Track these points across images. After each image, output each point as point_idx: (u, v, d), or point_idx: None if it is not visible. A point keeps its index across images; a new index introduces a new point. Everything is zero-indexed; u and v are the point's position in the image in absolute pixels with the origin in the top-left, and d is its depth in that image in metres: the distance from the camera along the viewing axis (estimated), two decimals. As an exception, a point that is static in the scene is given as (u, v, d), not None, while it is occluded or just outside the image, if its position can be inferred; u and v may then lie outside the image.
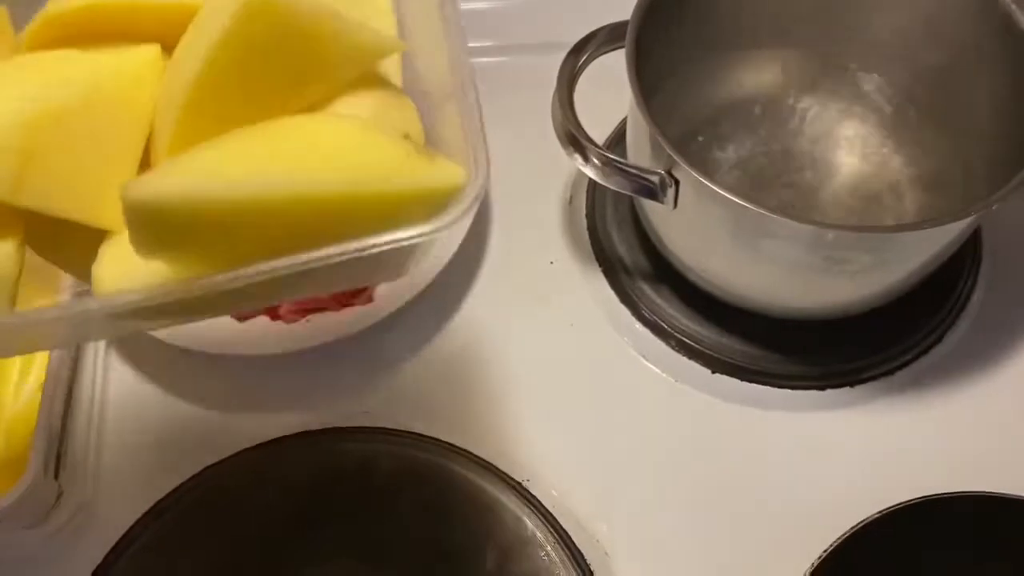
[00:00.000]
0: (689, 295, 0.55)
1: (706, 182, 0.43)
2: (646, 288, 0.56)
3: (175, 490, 0.48)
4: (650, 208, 0.52)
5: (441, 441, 0.50)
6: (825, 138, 0.58)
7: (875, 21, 0.56)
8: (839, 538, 0.45)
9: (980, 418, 0.52)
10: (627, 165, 0.48)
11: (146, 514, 0.48)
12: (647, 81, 0.48)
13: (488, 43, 0.69)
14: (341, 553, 0.47)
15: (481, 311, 0.57)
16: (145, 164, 0.29)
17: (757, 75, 0.59)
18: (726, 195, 0.43)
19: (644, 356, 0.55)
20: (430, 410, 0.53)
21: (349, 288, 0.29)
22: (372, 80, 0.30)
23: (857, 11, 0.56)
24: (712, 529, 0.50)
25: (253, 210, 0.25)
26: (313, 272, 0.26)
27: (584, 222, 0.60)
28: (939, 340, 0.54)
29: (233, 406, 0.53)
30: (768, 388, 0.53)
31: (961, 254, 0.55)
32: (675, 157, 0.44)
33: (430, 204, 0.27)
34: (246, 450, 0.49)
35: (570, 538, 0.48)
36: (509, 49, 0.68)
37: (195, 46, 0.27)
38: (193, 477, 0.48)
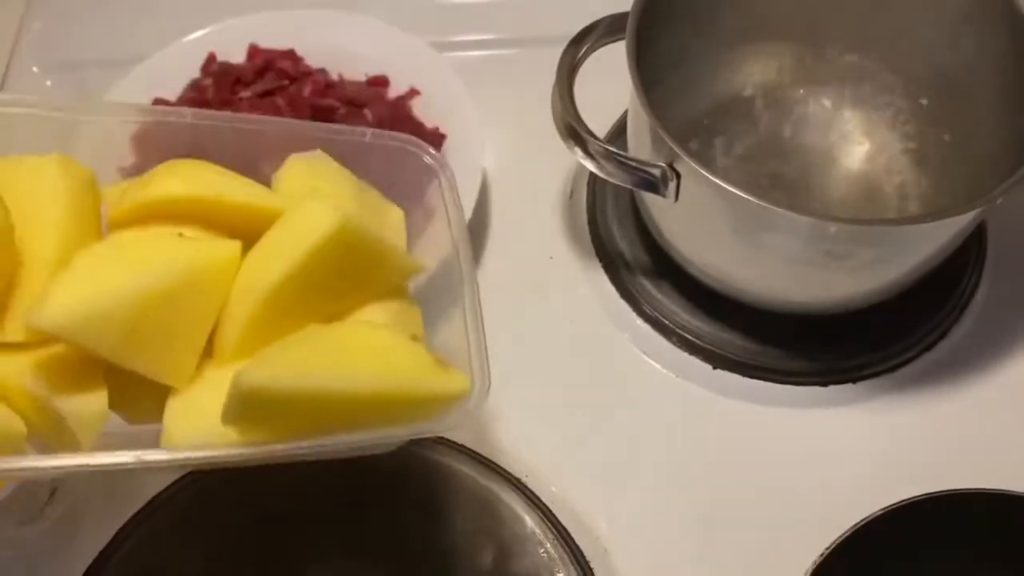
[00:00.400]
0: (690, 290, 0.54)
1: (708, 175, 0.43)
2: (647, 283, 0.56)
3: (171, 486, 0.48)
4: (651, 202, 0.51)
5: (440, 437, 0.49)
6: (827, 132, 0.57)
7: (880, 15, 0.55)
8: (842, 535, 0.45)
9: (983, 415, 0.52)
10: (628, 158, 0.47)
11: (141, 510, 0.47)
12: (647, 74, 0.47)
13: (489, 36, 0.68)
14: (338, 550, 0.47)
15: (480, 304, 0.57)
16: (209, 339, 0.34)
17: (759, 68, 0.58)
18: (728, 188, 0.42)
19: (644, 352, 0.54)
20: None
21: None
22: (393, 289, 0.37)
23: (862, 5, 0.55)
24: (712, 526, 0.49)
25: (324, 400, 0.31)
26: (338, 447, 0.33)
27: (584, 217, 0.59)
28: (942, 337, 0.54)
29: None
30: (769, 384, 0.53)
31: (965, 250, 0.54)
32: (676, 150, 0.44)
33: (439, 403, 0.33)
34: (242, 446, 0.49)
35: (569, 535, 0.47)
36: (510, 42, 0.68)
37: (279, 253, 0.33)
38: (188, 473, 0.48)
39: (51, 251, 0.33)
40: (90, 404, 0.32)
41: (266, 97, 0.59)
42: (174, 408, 0.33)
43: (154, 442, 0.33)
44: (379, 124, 0.57)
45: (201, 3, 0.69)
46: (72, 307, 0.30)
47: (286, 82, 0.59)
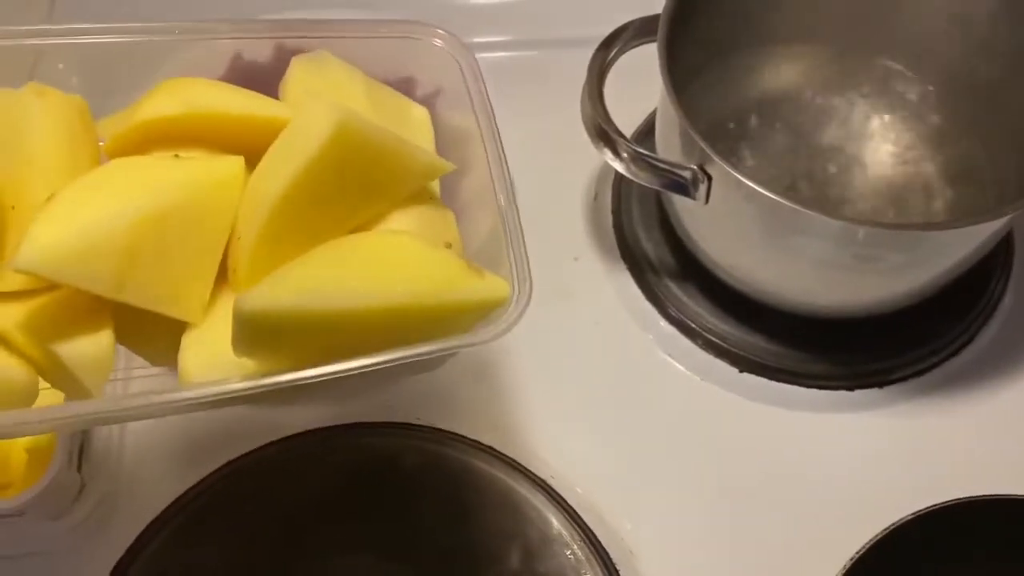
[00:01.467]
0: (716, 293, 0.54)
1: (741, 177, 0.43)
2: (672, 286, 0.55)
3: (198, 484, 0.48)
4: (679, 204, 0.51)
5: (465, 438, 0.50)
6: (855, 135, 0.57)
7: (908, 19, 0.55)
8: (870, 540, 0.45)
9: (1010, 420, 0.52)
10: (658, 160, 0.47)
11: (168, 507, 0.47)
12: (676, 76, 0.47)
13: (516, 37, 0.68)
14: (364, 548, 0.47)
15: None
16: (223, 263, 0.32)
17: (788, 71, 0.58)
18: (761, 191, 0.42)
19: (670, 354, 0.54)
20: (454, 407, 0.52)
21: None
22: (418, 194, 0.34)
23: (890, 8, 0.55)
24: (738, 529, 0.49)
25: (339, 320, 0.29)
26: (372, 370, 0.29)
27: (610, 219, 0.59)
28: (969, 341, 0.54)
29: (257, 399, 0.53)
30: (795, 388, 0.53)
31: (993, 255, 0.54)
32: (709, 152, 0.44)
33: (478, 313, 0.31)
34: (269, 444, 0.49)
35: (595, 536, 0.47)
36: (534, 43, 0.68)
37: (282, 164, 0.30)
38: (216, 471, 0.48)
39: (38, 190, 0.30)
40: (92, 348, 0.30)
41: (293, 97, 0.59)
42: (188, 344, 0.31)
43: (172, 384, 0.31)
44: (405, 124, 0.57)
45: (226, 4, 0.70)
46: (54, 244, 0.27)
47: (313, 82, 0.59)
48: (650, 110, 0.59)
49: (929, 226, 0.48)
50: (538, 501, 0.48)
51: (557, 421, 0.52)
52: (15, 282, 0.29)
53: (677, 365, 0.54)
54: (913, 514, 0.46)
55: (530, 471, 0.49)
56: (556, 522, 0.47)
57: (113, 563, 0.46)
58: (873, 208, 0.54)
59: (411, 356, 0.29)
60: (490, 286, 0.31)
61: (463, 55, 0.37)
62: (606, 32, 0.51)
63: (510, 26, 0.69)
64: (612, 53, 0.49)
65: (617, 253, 0.58)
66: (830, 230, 0.44)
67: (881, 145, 0.57)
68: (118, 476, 0.50)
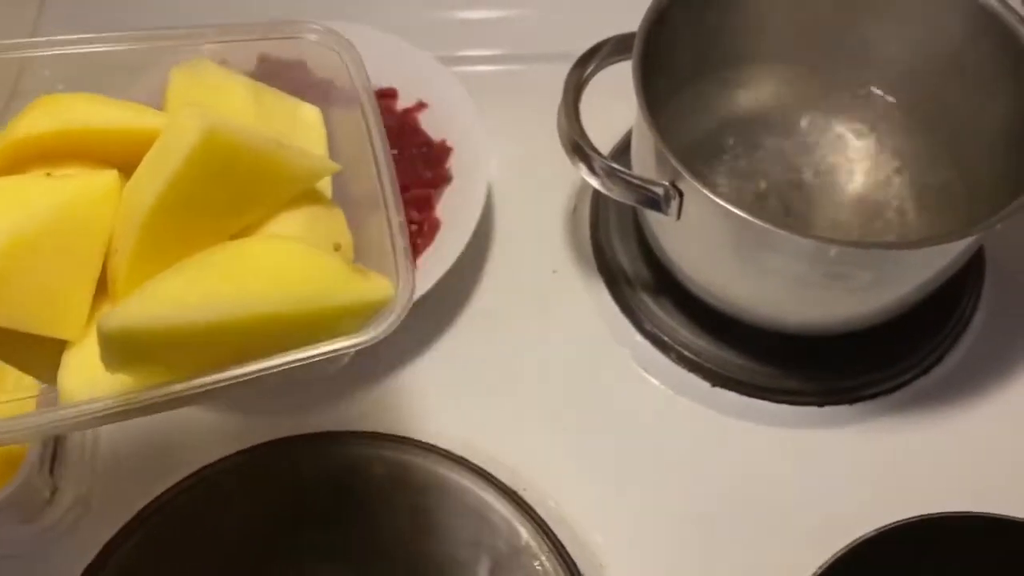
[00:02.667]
0: (690, 308, 0.55)
1: (710, 195, 0.43)
2: (647, 300, 0.56)
3: (168, 490, 0.48)
4: (653, 219, 0.52)
5: (436, 448, 0.50)
6: (830, 154, 0.58)
7: (883, 39, 0.56)
8: (834, 555, 0.45)
9: (979, 439, 0.52)
10: (631, 176, 0.48)
11: (139, 513, 0.47)
12: (654, 92, 0.48)
13: (495, 51, 0.69)
14: (332, 557, 0.47)
15: (481, 318, 0.57)
16: (103, 279, 0.31)
17: (764, 89, 0.59)
18: (730, 208, 0.43)
19: (644, 368, 0.55)
20: (426, 417, 0.53)
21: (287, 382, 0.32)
22: (307, 195, 0.33)
23: (866, 29, 0.56)
24: (708, 543, 0.49)
25: (211, 331, 0.28)
26: (258, 377, 0.29)
27: (587, 232, 0.60)
28: (940, 360, 0.54)
29: (228, 408, 0.53)
30: (767, 403, 0.53)
31: (964, 273, 0.55)
32: (680, 169, 0.45)
33: (362, 315, 0.30)
34: (240, 452, 0.49)
35: (565, 548, 0.47)
36: (516, 58, 0.68)
37: (153, 174, 0.30)
38: (187, 478, 0.48)
39: None
40: None
41: (275, 106, 0.59)
42: (68, 361, 0.30)
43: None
44: (386, 135, 0.57)
45: (213, 14, 0.70)
46: None
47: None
48: (630, 125, 0.60)
49: (898, 245, 0.49)
50: (508, 512, 0.48)
51: (530, 432, 0.53)
52: None
53: (651, 379, 0.54)
54: (877, 530, 0.46)
55: (501, 482, 0.49)
56: (525, 533, 0.47)
57: (84, 567, 0.46)
58: (846, 226, 0.55)
59: (287, 363, 0.29)
60: (373, 287, 0.31)
61: (346, 50, 0.37)
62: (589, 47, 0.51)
63: (495, 41, 0.69)
64: (588, 70, 0.50)
65: (594, 266, 0.58)
66: (800, 248, 0.44)
67: (855, 164, 0.57)
68: (91, 480, 0.50)
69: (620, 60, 0.50)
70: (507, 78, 0.68)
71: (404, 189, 0.56)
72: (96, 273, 0.31)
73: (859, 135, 0.58)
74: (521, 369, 0.55)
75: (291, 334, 0.29)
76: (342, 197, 0.35)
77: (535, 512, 0.48)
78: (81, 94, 0.33)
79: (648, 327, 0.55)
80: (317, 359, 0.30)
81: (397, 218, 0.32)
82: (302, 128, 0.36)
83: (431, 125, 0.60)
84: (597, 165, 0.48)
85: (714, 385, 0.54)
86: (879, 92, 0.58)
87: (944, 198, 0.55)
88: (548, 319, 0.57)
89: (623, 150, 0.61)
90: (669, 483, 0.51)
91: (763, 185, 0.56)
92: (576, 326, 0.57)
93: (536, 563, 0.47)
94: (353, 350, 0.30)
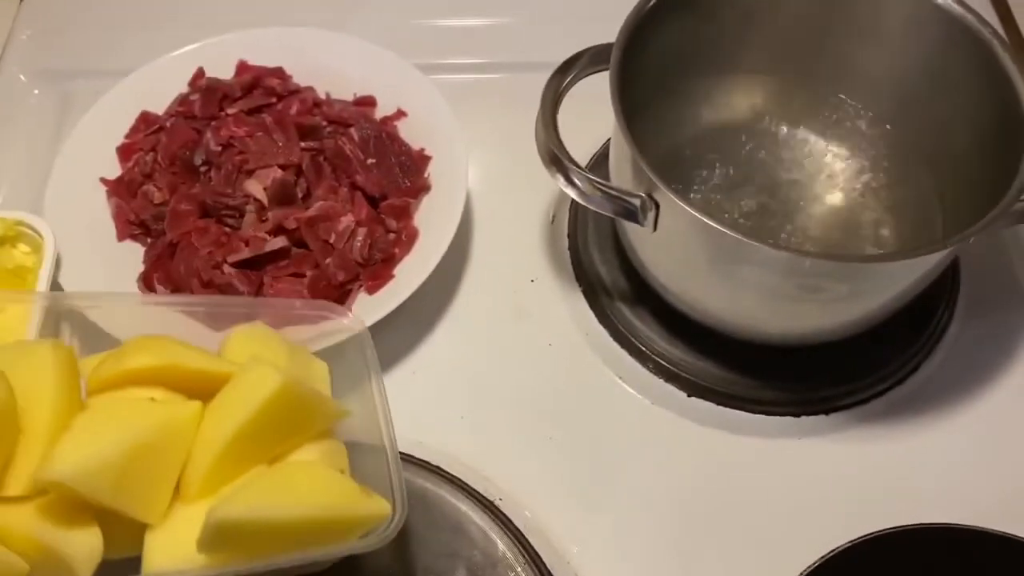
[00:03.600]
0: (667, 318, 0.55)
1: (685, 206, 0.44)
2: (625, 309, 0.56)
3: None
4: (631, 230, 0.52)
5: (413, 457, 0.50)
6: (807, 165, 0.58)
7: (861, 53, 0.56)
8: (809, 567, 0.46)
9: (953, 449, 0.53)
10: (608, 187, 0.48)
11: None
12: (633, 100, 0.48)
13: (475, 60, 0.69)
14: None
15: (459, 327, 0.57)
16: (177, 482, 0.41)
17: (743, 100, 0.59)
18: (704, 220, 0.43)
19: (621, 377, 0.55)
20: (403, 426, 0.52)
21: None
22: (322, 433, 0.44)
23: (843, 43, 0.56)
24: (683, 553, 0.49)
25: (272, 526, 0.39)
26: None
27: (566, 241, 0.60)
28: (914, 370, 0.55)
29: None
30: (743, 413, 0.53)
31: (939, 285, 0.55)
32: (655, 181, 0.45)
33: (365, 525, 0.41)
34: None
35: (541, 559, 0.47)
36: (495, 66, 0.68)
37: (231, 410, 0.41)
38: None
39: (47, 420, 0.39)
40: (87, 543, 0.38)
41: (253, 114, 0.59)
42: (152, 541, 0.39)
43: (132, 570, 0.39)
44: (365, 144, 0.57)
45: (191, 18, 0.70)
46: (77, 461, 0.37)
47: (273, 100, 0.60)
48: (609, 135, 0.60)
49: (872, 258, 0.49)
50: (484, 522, 0.48)
51: (507, 442, 0.52)
52: (19, 488, 0.38)
53: (628, 388, 0.55)
54: (851, 541, 0.46)
55: (478, 492, 0.49)
56: (502, 544, 0.47)
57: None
58: (823, 237, 0.55)
59: (319, 556, 0.41)
60: (376, 505, 0.41)
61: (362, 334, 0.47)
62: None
63: (475, 49, 0.70)
64: (566, 81, 0.50)
65: (572, 276, 0.59)
66: (775, 260, 0.44)
67: (833, 175, 0.58)
68: None
69: (598, 71, 0.50)
70: (487, 86, 0.68)
71: (383, 198, 0.57)
72: (176, 476, 0.40)
73: (836, 147, 0.59)
74: (498, 378, 0.55)
75: (318, 533, 0.40)
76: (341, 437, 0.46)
77: (512, 523, 0.48)
78: (169, 337, 0.43)
79: (625, 336, 0.55)
80: (336, 555, 0.42)
81: (396, 461, 0.43)
82: (316, 376, 0.47)
83: (410, 134, 0.60)
84: (574, 176, 0.48)
85: (691, 395, 0.54)
86: (856, 104, 0.58)
87: (920, 210, 0.56)
88: (526, 328, 0.57)
89: (602, 159, 0.61)
90: (645, 493, 0.51)
91: (740, 196, 0.56)
92: (553, 335, 0.57)
93: (512, 574, 0.47)
94: (359, 551, 0.41)
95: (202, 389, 0.42)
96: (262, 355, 0.43)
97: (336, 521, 0.40)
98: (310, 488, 0.40)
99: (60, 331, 0.55)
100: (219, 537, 0.38)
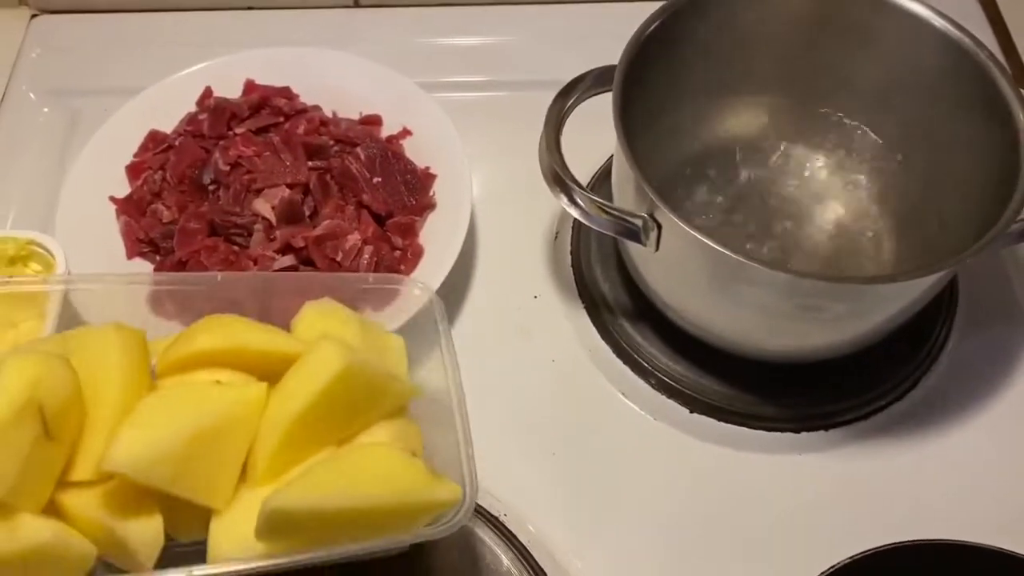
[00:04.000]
0: (669, 334, 0.55)
1: (686, 227, 0.44)
2: (627, 326, 0.57)
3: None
4: (633, 249, 0.53)
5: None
6: (807, 184, 0.59)
7: (860, 72, 0.57)
8: (810, 582, 0.46)
9: (953, 465, 0.53)
10: (611, 207, 0.49)
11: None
12: (636, 120, 0.49)
13: (479, 78, 0.70)
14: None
15: (463, 344, 0.57)
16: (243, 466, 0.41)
17: (744, 120, 0.60)
18: (706, 241, 0.44)
19: (623, 393, 0.55)
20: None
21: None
22: (394, 410, 0.43)
23: (842, 62, 0.57)
24: (684, 567, 0.50)
25: (335, 515, 0.38)
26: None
27: (569, 258, 0.61)
28: (913, 386, 0.55)
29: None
30: (744, 429, 0.54)
31: (937, 303, 0.56)
32: (657, 202, 0.45)
33: (435, 510, 0.40)
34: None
35: (545, 574, 0.48)
36: (500, 84, 0.69)
37: (296, 391, 0.40)
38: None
39: (112, 405, 0.39)
40: (149, 528, 0.38)
41: (260, 133, 0.60)
42: (217, 527, 0.39)
43: (195, 556, 0.39)
44: (371, 162, 0.58)
45: (199, 37, 0.71)
46: (136, 451, 0.37)
47: (281, 119, 0.60)
48: (612, 152, 0.61)
49: (871, 279, 0.49)
50: (488, 538, 0.48)
51: (511, 458, 0.53)
52: (85, 473, 0.38)
53: (630, 404, 0.55)
54: (852, 557, 0.47)
55: (482, 507, 0.50)
56: (506, 559, 0.48)
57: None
58: (823, 255, 0.56)
59: (388, 544, 0.40)
60: (447, 489, 0.40)
61: (438, 305, 0.47)
62: (574, 75, 0.52)
63: (479, 67, 0.70)
64: (569, 103, 0.51)
65: (575, 292, 0.59)
66: (775, 281, 0.45)
67: (833, 193, 0.58)
68: None
69: (601, 92, 0.51)
70: (490, 104, 0.68)
71: (388, 216, 0.58)
72: (242, 460, 0.40)
73: (836, 166, 0.59)
74: (502, 394, 0.55)
75: (386, 520, 0.39)
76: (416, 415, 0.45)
77: (516, 538, 0.49)
78: (236, 317, 0.43)
79: (627, 353, 0.56)
80: (406, 543, 0.41)
81: (467, 443, 0.42)
82: (392, 353, 0.46)
83: (415, 152, 0.61)
84: (577, 196, 0.49)
85: (692, 411, 0.54)
86: (856, 124, 0.59)
87: (919, 228, 0.56)
88: (529, 344, 0.58)
89: (605, 176, 0.62)
90: (647, 507, 0.52)
91: (741, 215, 0.57)
92: (556, 351, 0.57)
93: (516, 589, 0.47)
94: (427, 539, 0.40)
95: (271, 369, 0.41)
96: (332, 332, 0.42)
97: (403, 507, 0.39)
98: (375, 473, 0.39)
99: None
100: (275, 526, 0.37)
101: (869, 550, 0.47)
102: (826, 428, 0.54)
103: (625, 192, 0.50)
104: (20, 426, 0.36)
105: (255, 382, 0.41)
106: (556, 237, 0.62)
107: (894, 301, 0.48)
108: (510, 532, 0.49)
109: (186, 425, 0.38)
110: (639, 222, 0.48)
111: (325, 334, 0.42)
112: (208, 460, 0.38)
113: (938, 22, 0.52)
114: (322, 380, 0.39)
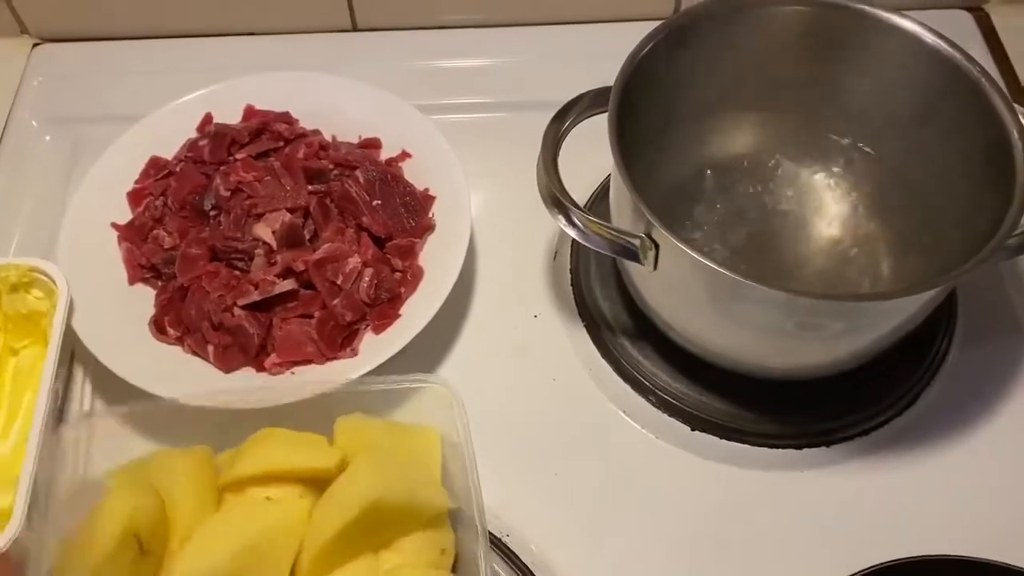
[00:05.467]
0: (670, 353, 0.56)
1: (684, 247, 0.45)
2: (627, 345, 0.57)
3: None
4: (632, 268, 0.53)
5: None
6: (804, 201, 0.59)
7: (855, 90, 0.57)
8: (813, 599, 0.46)
9: (954, 480, 0.53)
10: (608, 227, 0.49)
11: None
12: (632, 141, 0.49)
13: (482, 99, 0.70)
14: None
15: (464, 363, 0.58)
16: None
17: (741, 138, 0.60)
18: (703, 261, 0.44)
19: (624, 412, 0.56)
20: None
21: None
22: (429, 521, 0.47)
23: (838, 80, 0.57)
24: (689, 586, 0.50)
25: None
26: None
27: (568, 277, 0.61)
28: (914, 401, 0.55)
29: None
30: (746, 446, 0.54)
31: (937, 316, 0.56)
32: (655, 223, 0.46)
33: None
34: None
35: (548, 594, 0.48)
36: (502, 106, 0.70)
37: (332, 511, 0.44)
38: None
39: (189, 517, 0.46)
40: None
41: (261, 158, 0.60)
42: None
43: None
44: (370, 186, 0.59)
45: (199, 64, 0.72)
46: (193, 570, 0.43)
47: (280, 144, 0.61)
48: (609, 171, 0.61)
49: (868, 296, 0.50)
50: (492, 558, 0.48)
51: (513, 477, 0.53)
52: None
53: (632, 423, 0.55)
54: (853, 575, 0.47)
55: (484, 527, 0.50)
56: (510, 580, 0.48)
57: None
58: (820, 271, 0.56)
59: None
60: None
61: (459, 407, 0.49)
62: (571, 96, 0.52)
63: (477, 89, 0.71)
64: (566, 124, 0.51)
65: (575, 311, 0.59)
66: (773, 300, 0.45)
67: (828, 210, 0.59)
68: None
69: (597, 113, 0.51)
70: (488, 125, 0.69)
71: (388, 238, 0.58)
72: (290, 567, 0.45)
73: (832, 182, 0.60)
74: (504, 413, 0.56)
75: None
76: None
77: (519, 559, 0.49)
78: (284, 434, 0.48)
79: (628, 371, 0.56)
80: None
81: (487, 549, 0.45)
82: (424, 451, 0.49)
83: (414, 174, 0.61)
84: (575, 217, 0.49)
85: (694, 429, 0.54)
86: (851, 140, 0.59)
87: (916, 244, 0.57)
88: (530, 363, 0.58)
89: (603, 195, 0.62)
90: (649, 526, 0.52)
91: (738, 231, 0.57)
92: (557, 370, 0.58)
93: (520, 610, 0.47)
94: None
95: (316, 480, 0.47)
96: (370, 442, 0.48)
97: None
98: None
99: (74, 371, 0.57)
100: None
101: (872, 567, 0.47)
102: (827, 444, 0.54)
103: (623, 212, 0.51)
104: (122, 550, 0.43)
105: (298, 499, 0.46)
106: (555, 256, 0.62)
107: (892, 317, 0.48)
108: (513, 552, 0.49)
109: (236, 544, 0.44)
110: (636, 242, 0.48)
111: (364, 446, 0.47)
112: (257, 571, 0.44)
113: (930, 39, 0.52)
114: (354, 507, 0.44)
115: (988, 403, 0.56)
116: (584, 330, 0.58)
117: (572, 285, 0.60)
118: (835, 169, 0.60)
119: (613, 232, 0.49)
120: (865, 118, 0.58)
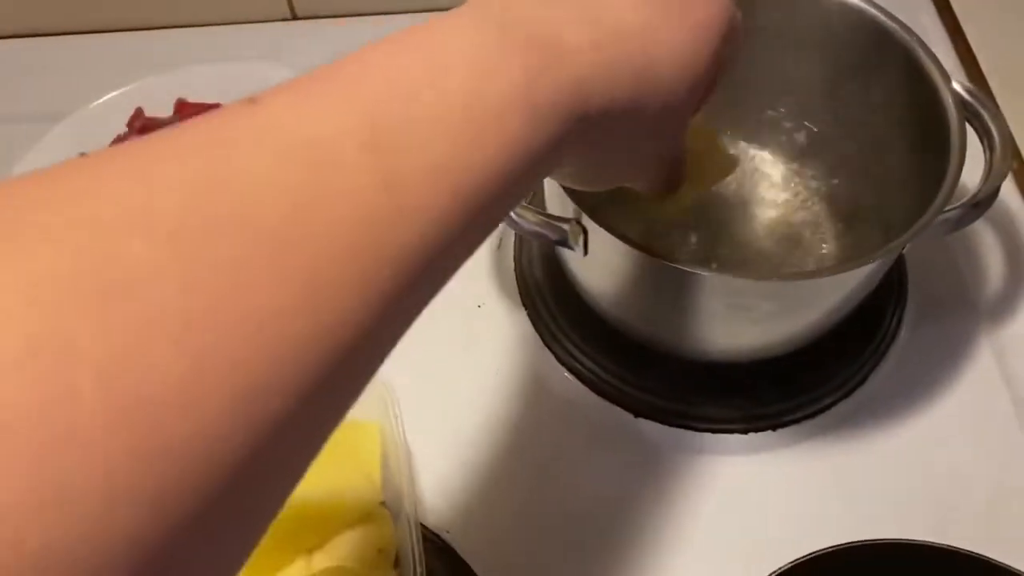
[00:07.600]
0: (611, 339, 0.54)
1: (604, 231, 0.43)
2: (570, 333, 0.56)
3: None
4: (567, 255, 0.52)
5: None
6: (746, 180, 0.58)
7: (796, 67, 0.56)
8: (757, 586, 0.45)
9: (904, 462, 0.52)
10: (540, 213, 0.48)
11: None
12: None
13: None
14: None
15: (406, 353, 0.56)
16: None
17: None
18: (624, 244, 0.43)
19: (567, 400, 0.54)
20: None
21: None
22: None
23: (779, 57, 0.56)
24: (632, 570, 0.49)
25: None
26: None
27: (512, 265, 0.60)
28: (863, 381, 0.54)
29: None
30: (691, 432, 0.53)
31: (885, 292, 0.55)
32: (575, 205, 0.44)
33: None
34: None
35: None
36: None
37: None
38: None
39: None
40: None
41: (190, 152, 0.59)
42: None
43: None
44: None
45: (129, 58, 0.70)
46: None
47: (211, 137, 0.60)
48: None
49: (793, 275, 0.48)
50: (431, 555, 0.47)
51: (455, 470, 0.52)
52: None
53: (575, 411, 0.54)
54: (798, 559, 0.46)
55: (426, 528, 0.49)
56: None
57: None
58: (766, 252, 0.55)
59: None
60: None
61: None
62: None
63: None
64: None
65: (519, 301, 0.58)
66: (696, 282, 0.44)
67: (771, 190, 0.58)
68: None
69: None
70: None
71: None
72: None
73: (774, 160, 0.58)
74: (447, 404, 0.54)
75: None
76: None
77: (458, 554, 0.48)
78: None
79: (570, 360, 0.55)
80: None
81: (418, 538, 0.44)
82: (360, 442, 0.48)
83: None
84: (505, 203, 0.47)
85: (637, 416, 0.53)
86: (791, 116, 0.58)
87: (860, 219, 0.55)
88: (474, 354, 0.57)
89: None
90: (595, 517, 0.51)
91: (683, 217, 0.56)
92: (501, 360, 0.56)
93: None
94: None
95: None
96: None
97: None
98: None
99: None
100: None
101: (821, 550, 0.46)
102: (774, 428, 0.53)
103: (554, 197, 0.49)
104: None
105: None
106: (499, 245, 0.61)
107: (826, 296, 0.46)
108: (451, 549, 0.48)
109: None
110: (567, 227, 0.47)
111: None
112: None
113: (864, 6, 0.51)
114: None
115: (939, 382, 0.55)
116: (527, 319, 0.57)
117: (515, 273, 0.59)
118: (777, 147, 0.59)
119: (544, 217, 0.47)
120: (805, 92, 0.56)
